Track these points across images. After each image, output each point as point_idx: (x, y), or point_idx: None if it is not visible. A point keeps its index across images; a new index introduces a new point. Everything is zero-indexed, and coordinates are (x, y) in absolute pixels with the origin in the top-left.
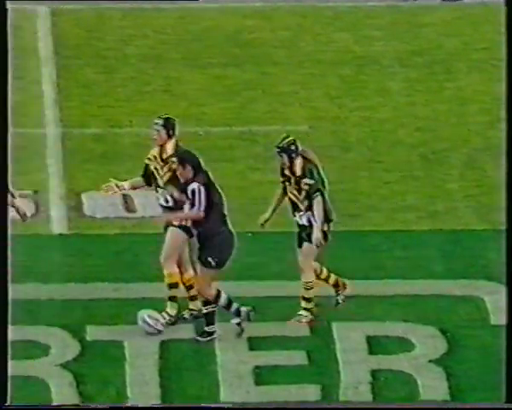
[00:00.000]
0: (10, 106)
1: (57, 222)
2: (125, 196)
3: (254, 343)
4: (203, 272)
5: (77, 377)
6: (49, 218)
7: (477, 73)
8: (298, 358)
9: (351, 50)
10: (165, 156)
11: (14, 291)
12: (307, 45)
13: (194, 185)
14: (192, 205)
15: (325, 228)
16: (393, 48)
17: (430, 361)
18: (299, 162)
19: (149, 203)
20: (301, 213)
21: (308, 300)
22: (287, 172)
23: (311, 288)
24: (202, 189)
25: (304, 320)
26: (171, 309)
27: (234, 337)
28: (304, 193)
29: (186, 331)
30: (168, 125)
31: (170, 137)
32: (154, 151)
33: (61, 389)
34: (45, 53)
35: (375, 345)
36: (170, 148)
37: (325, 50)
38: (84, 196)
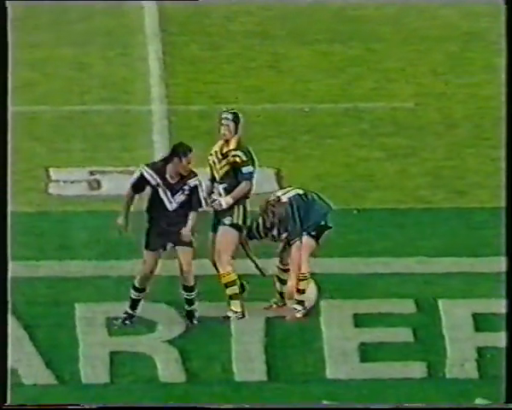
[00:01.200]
0: (112, 82)
1: None
2: None
3: (359, 320)
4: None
5: (183, 353)
6: None
7: None
8: (403, 335)
9: (456, 26)
10: (225, 151)
11: (119, 268)
12: (412, 21)
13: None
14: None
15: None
16: (499, 24)
17: None
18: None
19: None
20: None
21: (302, 291)
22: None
23: (306, 279)
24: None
25: (299, 315)
26: (236, 307)
27: (339, 314)
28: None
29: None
30: (237, 120)
31: (236, 132)
32: (217, 146)
33: (167, 366)
34: (151, 30)
35: (481, 322)
36: (233, 143)
37: (431, 26)
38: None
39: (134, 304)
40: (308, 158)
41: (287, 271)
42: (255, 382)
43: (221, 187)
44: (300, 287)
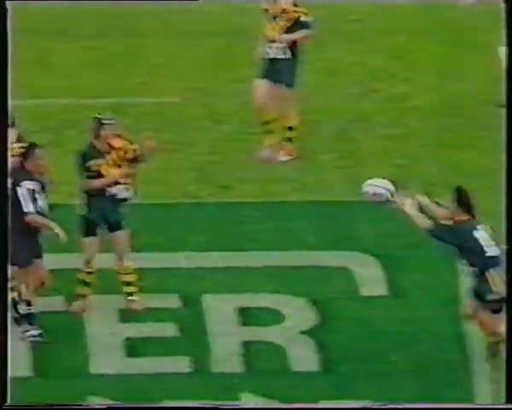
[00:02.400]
0: None
1: None
2: None
3: (124, 315)
4: None
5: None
6: None
7: (349, 45)
8: (169, 330)
9: (222, 21)
10: None
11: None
12: (178, 17)
13: None
14: None
15: None
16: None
17: (301, 332)
18: None
19: None
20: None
21: (132, 284)
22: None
23: (132, 273)
24: None
25: (139, 308)
26: None
27: (104, 309)
28: None
29: (57, 303)
30: None
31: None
32: None
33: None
34: None
35: (246, 316)
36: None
37: (196, 21)
38: None
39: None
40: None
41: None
42: (23, 377)
43: None
44: (129, 280)
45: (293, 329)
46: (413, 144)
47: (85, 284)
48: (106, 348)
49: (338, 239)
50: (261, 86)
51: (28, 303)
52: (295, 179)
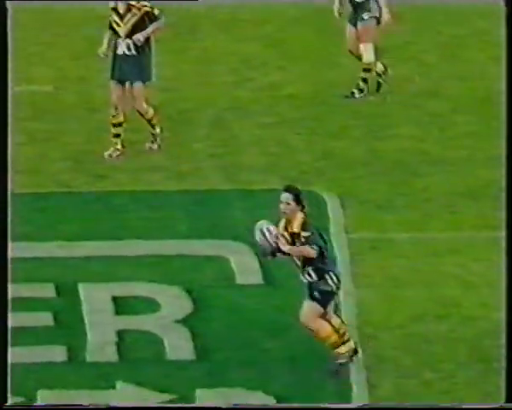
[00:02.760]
0: None
1: None
2: None
3: None
4: None
5: None
6: None
7: (223, 34)
8: (44, 319)
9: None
10: None
11: None
12: (51, 6)
13: None
14: None
15: None
16: None
17: (176, 321)
18: None
19: None
20: None
21: None
22: None
23: None
24: None
25: None
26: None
27: None
28: None
29: None
30: None
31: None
32: None
33: None
34: None
35: (121, 305)
36: None
37: (68, 10)
38: None
39: None
40: None
41: None
42: None
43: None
44: None
45: (168, 317)
46: (286, 133)
47: None
48: None
49: (212, 227)
50: (115, 87)
51: None
52: (169, 168)
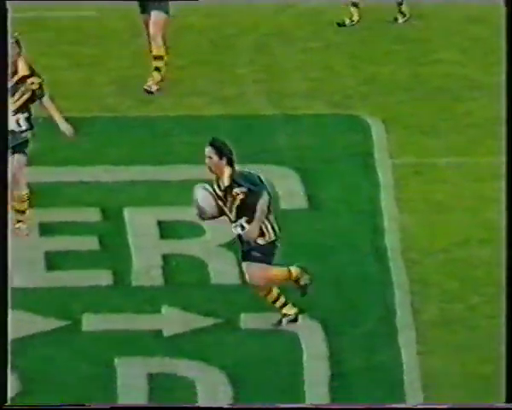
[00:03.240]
0: None
1: None
2: None
3: (44, 229)
4: None
5: None
6: None
7: None
8: (89, 243)
9: None
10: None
11: None
12: None
13: None
14: None
15: None
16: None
17: (220, 246)
18: None
19: None
20: None
21: (21, 212)
22: None
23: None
24: None
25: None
26: None
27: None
28: None
29: None
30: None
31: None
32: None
33: None
34: None
35: (166, 229)
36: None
37: None
38: None
39: None
40: None
41: None
42: None
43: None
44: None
45: (212, 242)
46: (330, 58)
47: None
48: (25, 261)
49: (256, 152)
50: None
51: None
52: (213, 93)
